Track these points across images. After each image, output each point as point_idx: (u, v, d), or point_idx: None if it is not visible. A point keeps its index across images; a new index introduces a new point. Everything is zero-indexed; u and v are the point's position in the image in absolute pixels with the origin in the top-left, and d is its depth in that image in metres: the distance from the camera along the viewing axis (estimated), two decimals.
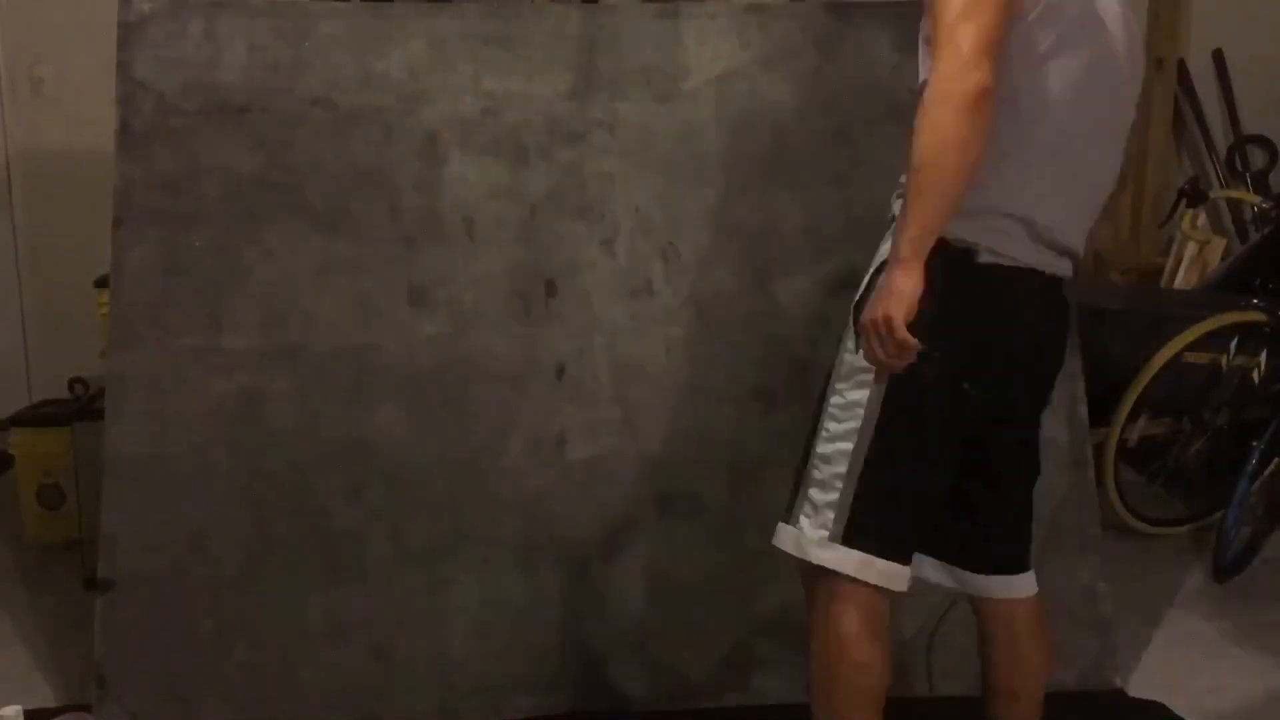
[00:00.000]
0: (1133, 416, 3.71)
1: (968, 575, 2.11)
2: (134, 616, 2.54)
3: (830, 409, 1.93)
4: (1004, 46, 1.76)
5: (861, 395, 1.88)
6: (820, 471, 1.91)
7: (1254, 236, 4.56)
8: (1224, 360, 3.71)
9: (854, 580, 1.88)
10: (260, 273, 2.63)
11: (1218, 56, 5.13)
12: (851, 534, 1.88)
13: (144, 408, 2.57)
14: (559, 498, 2.68)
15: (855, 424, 1.88)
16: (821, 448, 1.92)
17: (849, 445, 1.88)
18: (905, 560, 1.91)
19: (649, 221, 2.75)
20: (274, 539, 2.60)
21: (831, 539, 1.89)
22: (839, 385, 1.92)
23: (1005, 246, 1.88)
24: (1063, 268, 1.97)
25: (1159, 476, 3.81)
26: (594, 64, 2.77)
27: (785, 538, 1.95)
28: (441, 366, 2.67)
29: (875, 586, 1.88)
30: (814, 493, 1.92)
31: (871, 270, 1.93)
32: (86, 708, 2.52)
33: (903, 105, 2.85)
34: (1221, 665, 2.98)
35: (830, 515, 1.89)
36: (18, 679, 2.86)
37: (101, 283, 3.24)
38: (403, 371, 2.66)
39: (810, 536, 1.91)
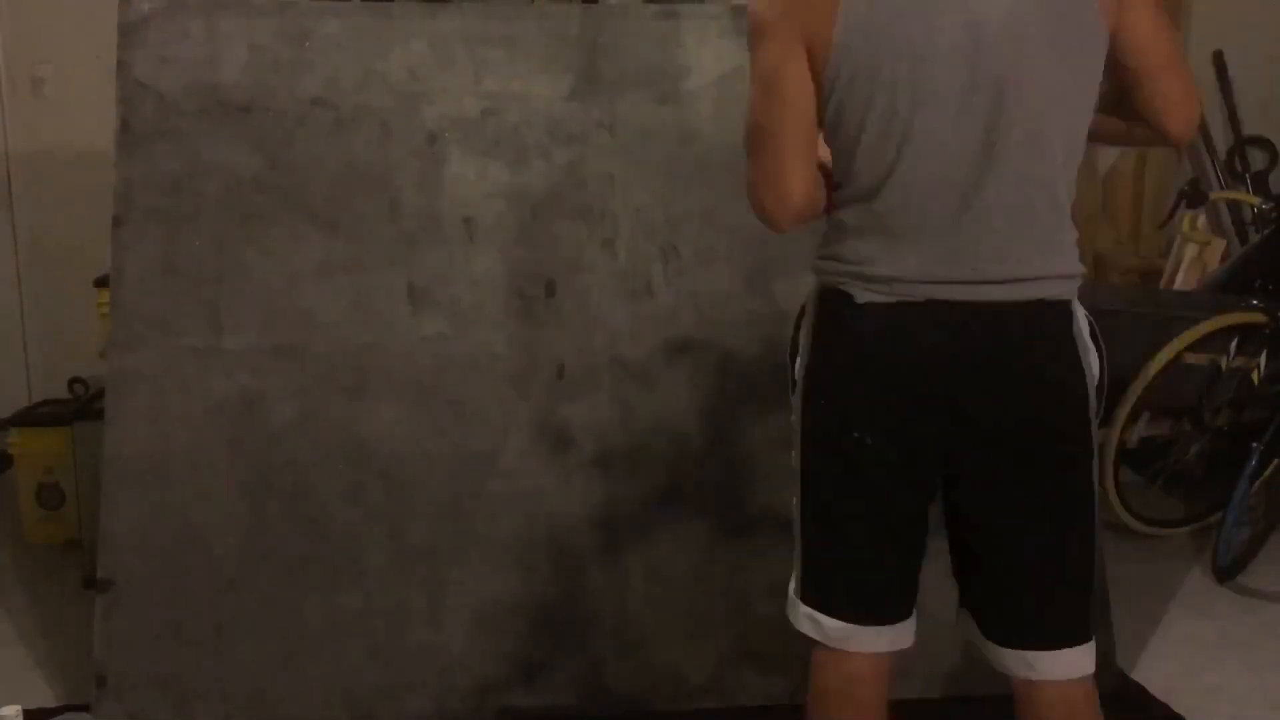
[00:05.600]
0: (1133, 417, 3.71)
1: (991, 647, 1.82)
2: (134, 616, 2.54)
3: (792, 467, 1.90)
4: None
5: (795, 455, 1.86)
6: (794, 530, 1.90)
7: (1254, 238, 4.55)
8: (1224, 361, 3.70)
9: (817, 640, 1.85)
10: (260, 273, 2.63)
11: (1218, 57, 5.12)
12: (805, 591, 1.86)
13: (144, 408, 2.57)
14: (559, 498, 2.68)
15: (797, 483, 1.87)
16: (793, 507, 1.90)
17: (796, 501, 1.87)
18: (850, 617, 1.81)
19: (649, 221, 2.75)
20: (274, 539, 2.60)
21: (795, 595, 1.88)
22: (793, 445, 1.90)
23: (881, 287, 1.73)
24: (987, 293, 1.70)
25: (1159, 477, 3.81)
26: (594, 64, 2.77)
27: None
28: (441, 366, 2.67)
29: (843, 648, 1.83)
30: (795, 553, 1.90)
31: (795, 326, 1.90)
32: (86, 707, 2.52)
33: None
34: (1221, 665, 2.97)
35: (795, 573, 1.89)
36: (17, 679, 2.86)
37: (101, 283, 3.24)
38: (403, 371, 2.66)
39: (790, 596, 1.90)
